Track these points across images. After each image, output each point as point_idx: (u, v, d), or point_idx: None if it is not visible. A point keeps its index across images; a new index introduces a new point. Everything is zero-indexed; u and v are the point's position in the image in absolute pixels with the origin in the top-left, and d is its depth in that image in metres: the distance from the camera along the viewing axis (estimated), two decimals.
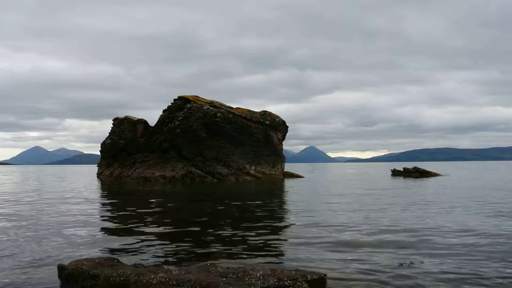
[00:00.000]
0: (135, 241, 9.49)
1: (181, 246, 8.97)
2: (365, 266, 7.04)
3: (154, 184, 33.85)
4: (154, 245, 9.02)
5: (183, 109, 40.78)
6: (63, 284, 5.79)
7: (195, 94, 42.61)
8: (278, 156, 42.95)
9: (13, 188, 30.37)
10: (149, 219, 12.94)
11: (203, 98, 41.98)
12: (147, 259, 7.66)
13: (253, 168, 40.11)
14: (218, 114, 38.84)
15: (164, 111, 43.65)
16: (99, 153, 51.32)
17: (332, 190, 26.43)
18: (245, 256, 7.96)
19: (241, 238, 9.68)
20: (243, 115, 40.90)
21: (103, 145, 49.33)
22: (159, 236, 10.15)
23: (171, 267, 6.06)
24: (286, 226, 11.63)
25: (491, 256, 7.69)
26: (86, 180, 42.58)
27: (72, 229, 11.15)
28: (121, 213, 14.95)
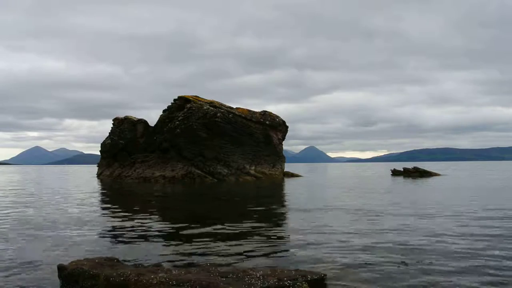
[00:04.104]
0: (135, 241, 9.49)
1: (181, 246, 8.97)
2: (366, 266, 7.04)
3: (154, 184, 33.86)
4: (154, 245, 9.02)
5: (183, 109, 40.79)
6: (63, 284, 5.80)
7: (194, 94, 42.62)
8: (278, 156, 42.95)
9: (13, 189, 30.36)
10: (149, 219, 12.94)
11: (203, 98, 41.98)
12: (147, 259, 7.65)
13: (253, 168, 40.11)
14: (218, 114, 38.84)
15: (164, 111, 43.65)
16: (99, 153, 51.32)
17: (332, 190, 26.43)
18: (245, 256, 7.96)
19: (241, 238, 9.68)
20: (243, 115, 40.90)
21: (103, 145, 49.33)
22: (159, 236, 10.15)
23: (171, 267, 6.07)
24: (286, 226, 11.63)
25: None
26: (86, 180, 42.58)
27: (72, 229, 11.15)
28: (121, 213, 14.95)
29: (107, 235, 10.37)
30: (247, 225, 11.61)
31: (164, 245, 9.03)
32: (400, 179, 39.34)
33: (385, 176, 45.26)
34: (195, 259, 7.74)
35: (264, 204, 17.03)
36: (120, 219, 13.15)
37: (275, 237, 9.89)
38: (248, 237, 9.78)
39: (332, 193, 23.64)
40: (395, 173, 48.09)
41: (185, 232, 10.65)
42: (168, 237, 10.06)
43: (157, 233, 10.55)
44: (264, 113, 42.74)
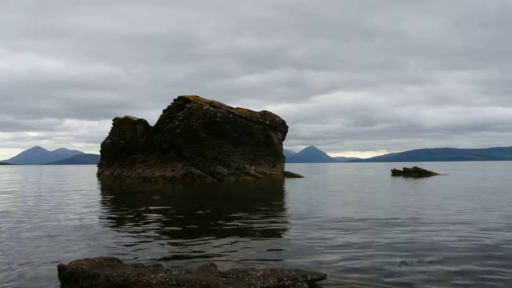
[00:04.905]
0: (135, 241, 9.49)
1: (181, 246, 8.97)
2: (365, 266, 7.04)
3: (154, 184, 33.86)
4: (154, 245, 9.01)
5: (183, 109, 40.78)
6: (63, 284, 5.80)
7: (194, 94, 42.62)
8: (278, 156, 42.94)
9: (13, 189, 30.37)
10: (149, 219, 12.94)
11: (203, 98, 41.98)
12: (147, 259, 7.65)
13: (253, 168, 40.10)
14: (218, 114, 38.83)
15: (164, 111, 43.65)
16: (99, 153, 51.34)
17: (332, 190, 26.43)
18: (245, 256, 7.95)
19: (241, 238, 9.68)
20: (243, 115, 40.89)
21: (103, 145, 49.35)
22: (159, 236, 10.15)
23: (171, 267, 6.07)
24: (285, 226, 11.63)
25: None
26: (86, 180, 42.58)
27: (72, 229, 11.15)
28: (121, 213, 14.95)
29: (107, 235, 10.37)
30: (247, 225, 11.61)
31: (164, 245, 9.03)
32: (400, 179, 39.35)
33: (386, 176, 45.26)
34: (195, 259, 7.74)
35: (264, 205, 17.03)
36: (120, 219, 13.15)
37: (275, 237, 9.89)
38: (248, 237, 9.77)
39: (332, 193, 23.63)
40: (395, 173, 48.08)
41: (185, 232, 10.65)
42: (168, 237, 10.05)
43: (157, 233, 10.55)
44: (264, 113, 42.74)
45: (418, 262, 7.26)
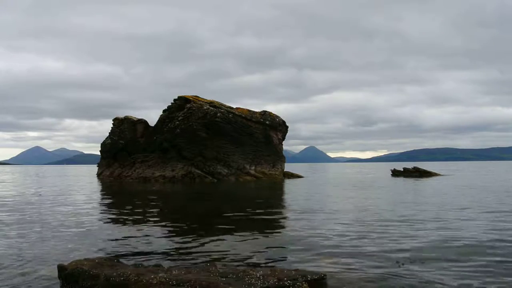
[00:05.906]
0: (135, 241, 9.50)
1: (181, 246, 8.97)
2: (365, 266, 7.05)
3: (154, 184, 33.86)
4: (154, 245, 9.02)
5: (183, 109, 40.78)
6: (63, 284, 5.79)
7: (194, 94, 42.61)
8: (278, 156, 42.94)
9: (13, 189, 30.37)
10: (149, 219, 12.94)
11: (203, 98, 41.97)
12: (147, 259, 7.66)
13: (253, 168, 40.10)
14: (218, 114, 38.83)
15: (164, 111, 43.65)
16: (99, 153, 51.31)
17: (332, 190, 26.43)
18: (245, 256, 7.96)
19: (240, 238, 9.68)
20: (243, 115, 40.89)
21: (103, 145, 49.33)
22: (159, 236, 10.15)
23: (171, 267, 6.06)
24: (285, 226, 11.63)
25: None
26: (86, 180, 42.58)
27: (72, 229, 11.16)
28: (121, 213, 14.95)
29: (107, 235, 10.37)
30: (246, 225, 11.61)
31: (164, 245, 9.03)
32: (400, 179, 39.34)
33: (386, 176, 45.24)
34: (195, 259, 7.74)
35: (264, 205, 17.03)
36: (120, 219, 13.15)
37: (275, 237, 9.89)
38: (248, 237, 9.78)
39: (332, 194, 23.64)
40: (395, 173, 48.04)
41: (185, 232, 10.65)
42: (168, 237, 10.06)
43: (157, 233, 10.55)
44: (264, 113, 42.75)
45: (411, 262, 7.28)
